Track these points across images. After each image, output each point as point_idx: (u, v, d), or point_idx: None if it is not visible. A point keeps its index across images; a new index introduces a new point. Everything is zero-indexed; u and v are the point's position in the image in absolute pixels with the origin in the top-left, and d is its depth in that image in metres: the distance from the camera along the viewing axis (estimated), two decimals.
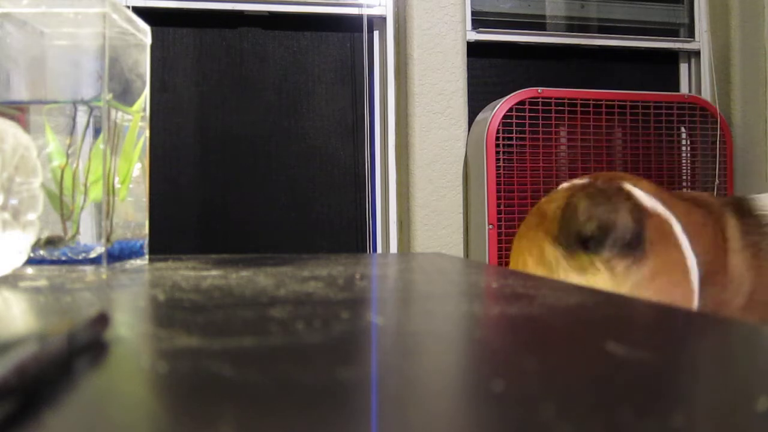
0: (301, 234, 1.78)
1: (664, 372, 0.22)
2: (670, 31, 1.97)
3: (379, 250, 1.81)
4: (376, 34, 1.82)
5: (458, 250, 1.71)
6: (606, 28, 1.93)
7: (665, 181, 1.69)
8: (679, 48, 1.96)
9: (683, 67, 1.99)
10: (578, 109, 1.61)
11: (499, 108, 1.57)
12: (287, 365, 0.22)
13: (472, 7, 1.82)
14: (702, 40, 1.94)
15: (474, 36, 1.81)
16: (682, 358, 0.25)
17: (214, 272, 0.55)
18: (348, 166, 1.80)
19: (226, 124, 1.76)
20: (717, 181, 1.73)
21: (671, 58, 1.99)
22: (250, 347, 0.25)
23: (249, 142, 1.77)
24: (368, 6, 1.77)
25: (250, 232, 1.76)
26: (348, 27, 1.81)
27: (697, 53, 1.95)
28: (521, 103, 1.58)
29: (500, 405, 0.18)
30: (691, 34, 1.96)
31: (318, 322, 0.30)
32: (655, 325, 0.32)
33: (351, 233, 1.80)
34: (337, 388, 0.20)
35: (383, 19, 1.79)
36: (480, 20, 1.84)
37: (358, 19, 1.79)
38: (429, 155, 1.71)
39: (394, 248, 1.76)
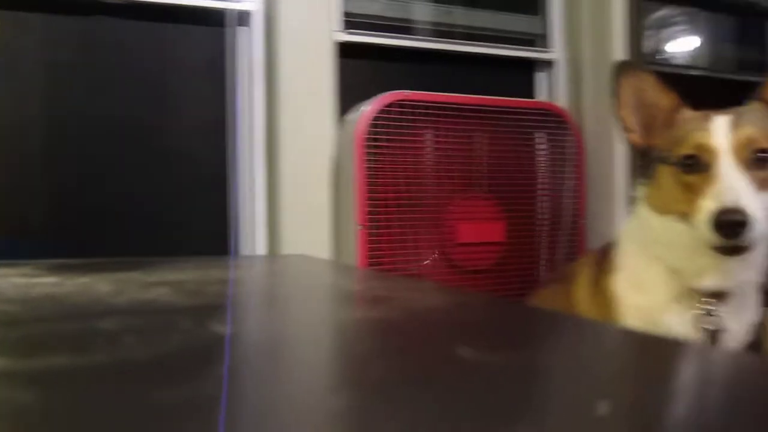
0: (160, 236, 1.69)
1: (511, 374, 0.22)
2: (528, 41, 2.07)
3: (245, 252, 1.75)
4: (244, 30, 1.77)
5: (327, 251, 1.70)
6: (470, 35, 2.00)
7: (523, 185, 1.77)
8: (535, 57, 2.07)
9: (540, 76, 2.10)
10: (443, 112, 1.65)
11: (366, 109, 1.58)
12: (102, 387, 0.20)
13: (343, 8, 1.82)
14: (556, 50, 2.06)
15: (344, 36, 1.81)
16: (531, 359, 0.25)
17: (49, 279, 0.50)
18: (211, 165, 1.74)
19: (81, 119, 1.64)
20: (572, 184, 1.84)
21: (529, 66, 2.10)
22: (62, 367, 0.22)
23: (105, 138, 1.66)
24: (236, 0, 1.72)
25: (106, 234, 1.65)
26: (214, 21, 1.74)
27: (552, 63, 2.07)
28: (389, 105, 1.60)
29: (349, 416, 0.17)
30: (546, 44, 2.08)
31: (151, 335, 0.28)
32: (510, 325, 0.33)
33: (215, 234, 1.73)
34: (158, 413, 0.18)
35: (251, 15, 1.74)
36: (351, 21, 1.84)
37: (225, 13, 1.73)
38: (297, 155, 1.68)
39: (261, 250, 1.72)
